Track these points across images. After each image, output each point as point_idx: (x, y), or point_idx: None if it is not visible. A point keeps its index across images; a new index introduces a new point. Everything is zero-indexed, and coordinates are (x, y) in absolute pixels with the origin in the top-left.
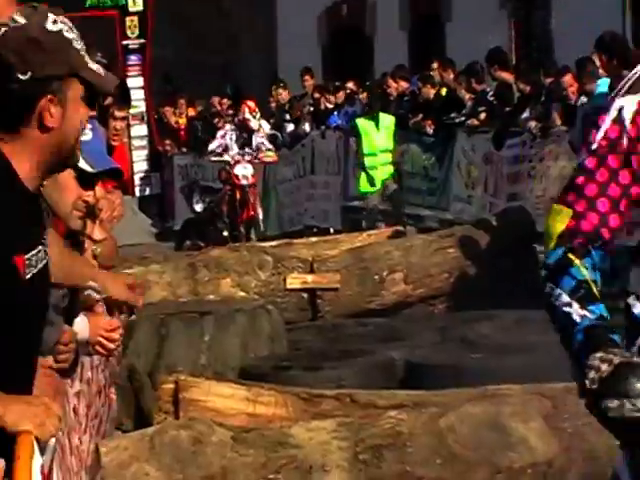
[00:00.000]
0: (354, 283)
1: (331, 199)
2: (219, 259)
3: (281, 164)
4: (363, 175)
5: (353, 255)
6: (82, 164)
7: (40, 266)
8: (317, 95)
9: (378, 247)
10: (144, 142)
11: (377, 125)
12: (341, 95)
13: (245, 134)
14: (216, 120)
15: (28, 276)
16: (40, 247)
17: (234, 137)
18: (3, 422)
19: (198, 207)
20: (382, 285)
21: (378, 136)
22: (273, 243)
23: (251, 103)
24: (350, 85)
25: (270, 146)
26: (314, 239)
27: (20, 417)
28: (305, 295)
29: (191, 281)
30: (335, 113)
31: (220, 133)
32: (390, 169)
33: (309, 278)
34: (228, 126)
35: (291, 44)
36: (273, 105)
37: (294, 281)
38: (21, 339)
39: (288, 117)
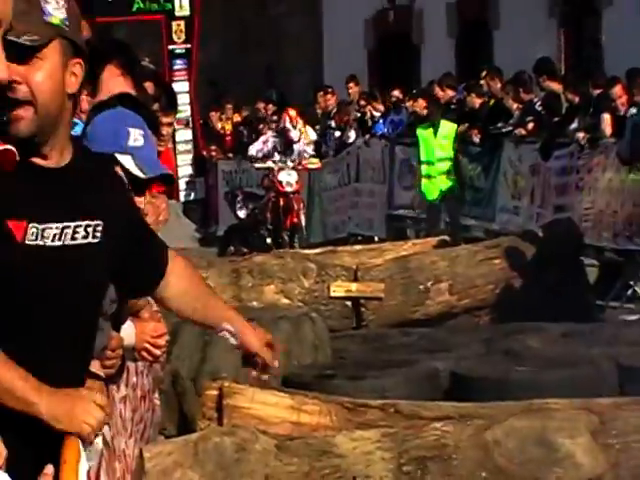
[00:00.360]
0: (398, 292)
1: (376, 207)
2: (263, 265)
3: (325, 172)
4: (425, 183)
5: (398, 264)
6: (134, 170)
7: (71, 242)
8: (363, 102)
9: (423, 257)
10: (189, 147)
11: (435, 133)
12: (387, 103)
13: (286, 142)
14: (261, 126)
15: (30, 243)
16: (71, 223)
17: (277, 143)
18: (38, 412)
19: (241, 213)
20: (427, 295)
21: (436, 144)
22: (317, 250)
23: (292, 112)
24: (396, 93)
25: (313, 153)
26: (358, 247)
27: (56, 408)
28: (349, 303)
29: (234, 287)
30: (381, 121)
31: (262, 139)
32: (449, 178)
33: (353, 286)
34: (270, 132)
35: (337, 50)
36: (319, 112)
37: (338, 289)
38: (43, 315)
39: (334, 124)
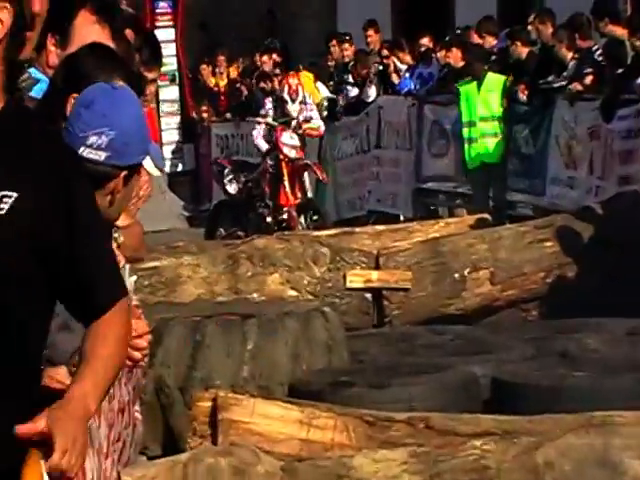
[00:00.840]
0: (429, 282)
1: (401, 179)
2: (265, 251)
3: (340, 136)
4: (467, 149)
5: (428, 248)
6: (153, 170)
7: None
8: (385, 53)
9: (459, 239)
10: (175, 107)
11: (479, 87)
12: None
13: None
14: (262, 85)
15: None
16: None
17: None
18: None
19: (232, 188)
20: (463, 285)
21: (480, 101)
22: (330, 232)
23: (293, 80)
24: (425, 41)
25: (319, 121)
26: (380, 228)
27: None
28: (369, 296)
29: (231, 277)
30: (407, 75)
31: (269, 100)
32: (493, 143)
33: (374, 275)
34: (268, 99)
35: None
36: (331, 65)
37: (356, 279)
38: None
39: (350, 79)
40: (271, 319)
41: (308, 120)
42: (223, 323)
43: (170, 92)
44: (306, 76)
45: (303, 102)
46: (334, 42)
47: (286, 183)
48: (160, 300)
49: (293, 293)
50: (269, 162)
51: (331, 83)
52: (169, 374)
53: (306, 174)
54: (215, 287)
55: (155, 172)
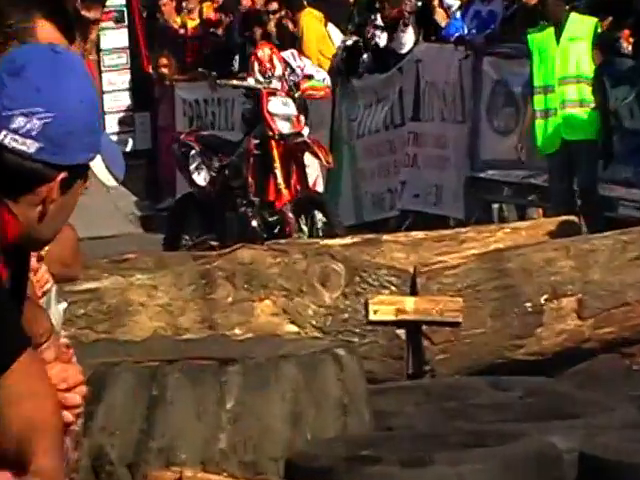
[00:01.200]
0: (488, 314)
1: (449, 166)
2: (252, 267)
3: (361, 102)
4: (539, 124)
5: (487, 264)
6: (107, 179)
7: None
8: None
9: (532, 252)
10: (123, 59)
11: (559, 36)
12: None
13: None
14: (249, 32)
15: None
16: None
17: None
18: None
19: (200, 178)
20: (538, 319)
21: (560, 56)
22: (346, 241)
23: (264, 52)
24: None
25: (324, 74)
26: (418, 235)
27: None
28: (401, 332)
29: (203, 304)
30: (457, 14)
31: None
32: (581, 114)
33: (409, 303)
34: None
35: None
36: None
37: (383, 308)
38: None
39: (379, 21)
40: (261, 365)
41: (309, 77)
42: (191, 371)
43: (116, 38)
44: (312, 15)
45: (285, 73)
46: None
47: (277, 171)
48: (101, 336)
49: (293, 328)
50: (253, 141)
51: (349, 27)
52: (113, 444)
53: (307, 156)
54: (180, 318)
55: (110, 182)
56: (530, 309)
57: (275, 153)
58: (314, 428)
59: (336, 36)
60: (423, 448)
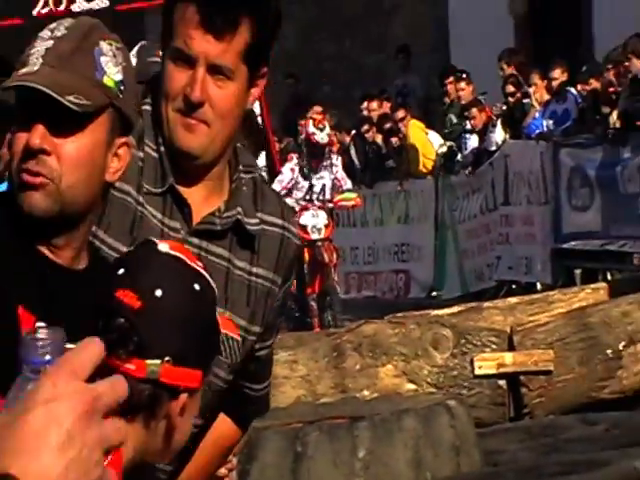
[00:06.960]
0: (575, 362)
1: (536, 240)
2: (375, 338)
3: (460, 194)
4: None
5: (572, 320)
6: None
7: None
8: (511, 89)
9: (610, 306)
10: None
11: None
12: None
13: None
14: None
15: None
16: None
17: (301, 166)
18: None
19: None
20: (619, 363)
21: None
22: (452, 310)
23: (315, 115)
24: (557, 73)
25: (349, 183)
26: (513, 300)
27: None
28: (503, 383)
29: (336, 372)
30: (537, 114)
31: (289, 165)
32: None
33: (508, 358)
34: (294, 156)
35: (466, 19)
36: (445, 109)
37: (486, 364)
38: None
39: (469, 126)
40: (386, 419)
41: (337, 189)
42: (328, 429)
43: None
44: (416, 126)
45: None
46: (449, 80)
47: (305, 272)
48: None
49: (411, 386)
50: None
51: (445, 131)
52: None
53: (331, 254)
54: (317, 386)
55: None
56: (611, 355)
57: (307, 257)
58: (433, 469)
59: (435, 140)
60: (526, 479)
